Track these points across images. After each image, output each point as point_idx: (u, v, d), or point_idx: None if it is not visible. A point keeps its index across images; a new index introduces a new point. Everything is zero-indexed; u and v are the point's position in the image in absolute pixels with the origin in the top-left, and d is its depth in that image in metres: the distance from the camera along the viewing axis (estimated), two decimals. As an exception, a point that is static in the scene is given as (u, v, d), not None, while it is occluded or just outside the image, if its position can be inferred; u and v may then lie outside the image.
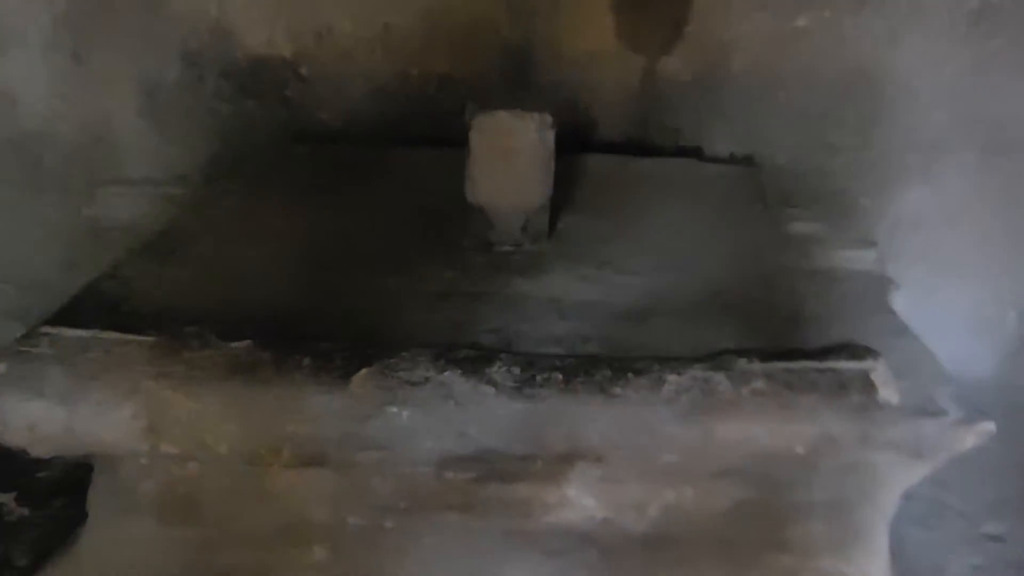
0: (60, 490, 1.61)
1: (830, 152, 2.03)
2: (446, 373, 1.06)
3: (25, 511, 1.62)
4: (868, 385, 1.05)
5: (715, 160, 2.00)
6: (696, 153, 2.03)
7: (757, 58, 1.98)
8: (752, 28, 1.95)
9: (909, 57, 1.95)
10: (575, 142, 1.93)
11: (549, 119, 1.40)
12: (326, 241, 1.47)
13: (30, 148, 2.06)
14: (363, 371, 1.06)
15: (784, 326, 1.26)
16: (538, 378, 1.06)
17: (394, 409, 1.05)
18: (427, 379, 1.06)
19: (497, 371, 1.07)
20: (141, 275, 1.30)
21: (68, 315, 1.15)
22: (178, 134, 2.05)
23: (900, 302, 1.45)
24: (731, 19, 1.95)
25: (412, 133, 2.00)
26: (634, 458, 1.08)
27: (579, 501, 1.14)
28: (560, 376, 1.06)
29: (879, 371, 1.06)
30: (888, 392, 1.05)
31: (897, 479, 1.11)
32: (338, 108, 2.04)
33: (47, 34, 1.97)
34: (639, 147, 2.03)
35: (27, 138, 2.05)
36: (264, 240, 1.46)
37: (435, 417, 1.05)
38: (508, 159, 1.41)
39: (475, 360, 1.08)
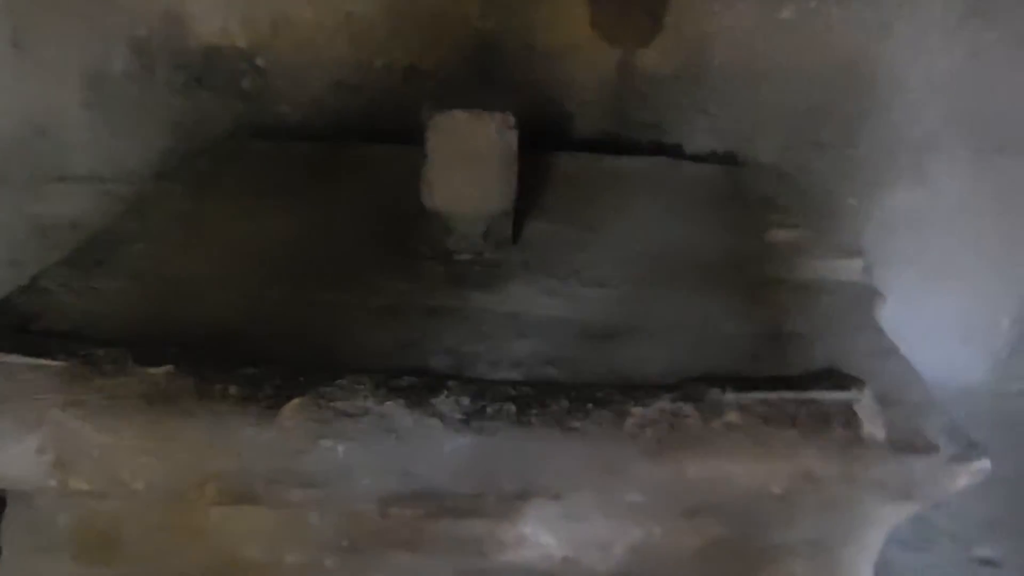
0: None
1: (816, 150, 1.94)
2: (387, 403, 0.96)
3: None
4: (852, 419, 0.95)
5: (695, 158, 1.91)
6: (676, 150, 1.93)
7: (740, 51, 1.87)
8: (735, 20, 1.85)
9: (900, 50, 1.85)
10: (549, 139, 1.84)
11: (511, 119, 1.30)
12: (273, 248, 1.36)
13: (-31, 143, 1.94)
14: (294, 401, 0.96)
15: (764, 346, 1.16)
16: (488, 410, 0.96)
17: (329, 443, 0.95)
18: (366, 410, 0.96)
19: (444, 401, 0.97)
20: (62, 287, 1.19)
21: (-29, 336, 1.04)
22: (127, 128, 1.92)
23: (889, 308, 1.35)
24: (713, 10, 1.84)
25: (376, 128, 1.89)
26: (596, 496, 0.98)
27: (537, 539, 1.03)
28: (513, 407, 0.96)
29: (864, 403, 0.96)
30: (874, 427, 0.95)
31: (884, 517, 1.02)
32: (297, 101, 1.93)
33: (-15, 21, 1.86)
34: (616, 144, 1.92)
35: (-35, 132, 1.93)
36: (206, 247, 1.35)
37: (375, 452, 0.95)
38: (467, 162, 1.31)
39: (419, 389, 0.98)
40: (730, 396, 0.97)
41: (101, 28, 1.86)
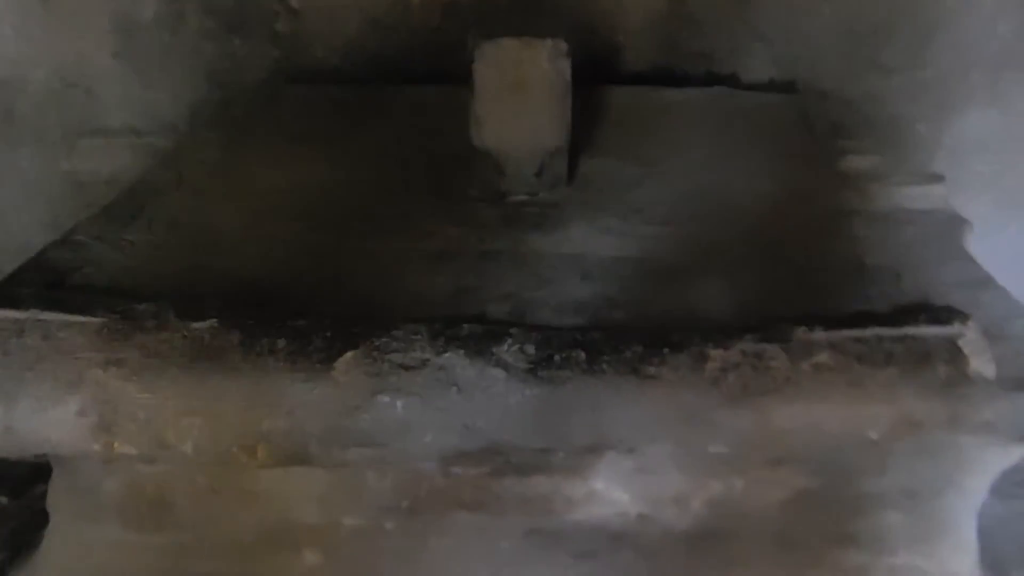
0: (40, 475, 1.46)
1: (882, 73, 1.82)
2: (447, 354, 0.89)
3: (2, 500, 1.47)
4: (956, 355, 0.87)
5: (753, 88, 1.80)
6: (731, 80, 1.83)
7: (798, -31, 1.76)
8: (793, -64, 1.74)
9: (971, -39, 1.73)
10: (595, 73, 1.75)
11: (564, 46, 1.21)
12: (315, 196, 1.30)
13: (-1, 97, 1.89)
14: (348, 354, 0.90)
15: (845, 281, 1.07)
16: (556, 358, 0.89)
17: (386, 399, 0.88)
18: (424, 362, 0.89)
19: (507, 350, 0.90)
20: (97, 240, 1.13)
21: (5, 292, 0.98)
22: (159, 78, 1.86)
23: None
24: (769, -74, 1.73)
25: (415, 69, 1.81)
26: (674, 448, 0.91)
27: (609, 495, 0.97)
28: (582, 354, 0.89)
29: (969, 337, 0.88)
30: (981, 363, 0.87)
31: (989, 463, 0.93)
32: (333, 43, 1.85)
33: (9, -30, 1.79)
34: (667, 76, 1.82)
35: (-5, 86, 1.88)
36: (245, 196, 1.29)
37: (435, 407, 0.88)
38: (518, 94, 1.23)
39: (481, 337, 0.91)
40: (819, 334, 0.89)
41: (129, -27, 1.79)
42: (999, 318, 0.98)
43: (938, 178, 1.32)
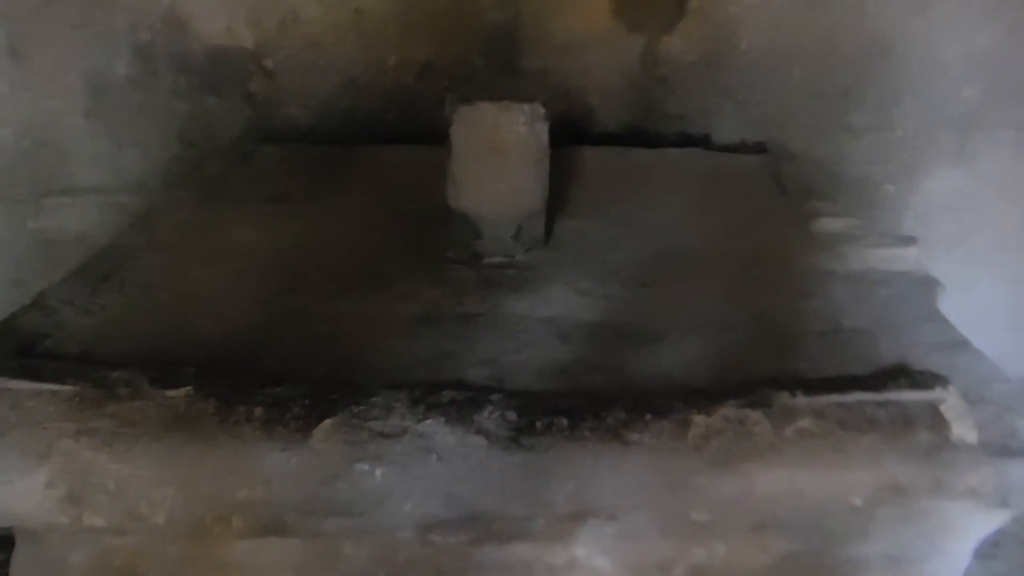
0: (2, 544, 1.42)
1: (851, 134, 1.86)
2: (427, 422, 0.88)
3: (-38, 570, 1.42)
4: (938, 421, 0.87)
5: (725, 148, 1.82)
6: (704, 141, 1.85)
7: (769, 33, 1.80)
8: (763, 0, 1.76)
9: (937, 27, 1.77)
10: (569, 134, 1.77)
11: (541, 110, 1.22)
12: (291, 257, 1.29)
13: (-33, 156, 1.87)
14: (326, 422, 0.88)
15: (823, 344, 1.08)
16: (538, 424, 0.88)
17: (365, 467, 0.87)
18: (404, 430, 0.88)
19: (488, 417, 0.88)
20: (68, 305, 1.11)
21: (-28, 361, 0.96)
22: (131, 136, 1.85)
23: (935, 300, 1.27)
24: (740, -9, 1.77)
25: (390, 129, 1.83)
26: (656, 515, 0.90)
27: (591, 562, 0.95)
28: (564, 421, 0.88)
29: (950, 402, 0.88)
30: (963, 428, 0.86)
31: (973, 528, 0.93)
32: (308, 103, 1.86)
33: (-20, 29, 1.78)
34: (641, 137, 1.85)
35: (-37, 145, 1.86)
36: (219, 258, 1.28)
37: (415, 475, 0.87)
38: (496, 157, 1.23)
39: (461, 404, 0.90)
40: (801, 400, 0.89)
41: (101, 33, 1.80)
42: (977, 382, 0.99)
43: (911, 240, 1.33)
